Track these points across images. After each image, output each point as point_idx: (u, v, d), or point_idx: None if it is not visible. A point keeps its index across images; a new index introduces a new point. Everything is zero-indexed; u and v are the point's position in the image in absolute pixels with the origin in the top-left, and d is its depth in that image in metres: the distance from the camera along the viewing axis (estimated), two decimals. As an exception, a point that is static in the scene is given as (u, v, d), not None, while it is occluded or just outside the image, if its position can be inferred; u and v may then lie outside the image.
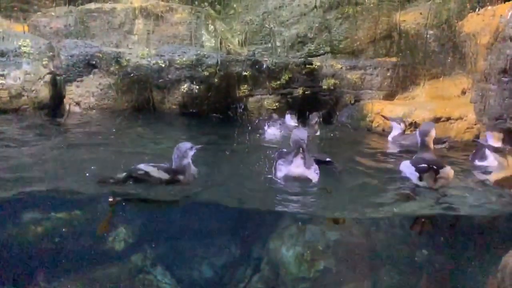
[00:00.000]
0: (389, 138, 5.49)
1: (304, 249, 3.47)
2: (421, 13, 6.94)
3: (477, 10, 5.17)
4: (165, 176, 3.35)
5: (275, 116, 6.08)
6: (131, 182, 3.29)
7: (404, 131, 5.44)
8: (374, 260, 3.48)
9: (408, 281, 3.41)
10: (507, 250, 1.40)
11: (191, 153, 3.51)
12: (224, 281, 3.56)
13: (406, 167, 3.63)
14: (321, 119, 5.90)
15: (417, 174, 3.41)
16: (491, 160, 3.88)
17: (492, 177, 3.36)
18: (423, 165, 3.40)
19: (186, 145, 3.52)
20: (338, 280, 3.40)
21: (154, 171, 3.34)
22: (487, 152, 3.97)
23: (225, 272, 3.58)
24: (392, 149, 5.21)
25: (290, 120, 5.93)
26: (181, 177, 3.42)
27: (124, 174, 3.32)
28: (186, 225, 3.57)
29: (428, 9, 6.81)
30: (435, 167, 3.35)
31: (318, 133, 5.64)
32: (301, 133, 3.59)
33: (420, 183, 3.41)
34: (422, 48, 6.78)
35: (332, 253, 3.47)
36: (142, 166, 3.36)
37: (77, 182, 3.38)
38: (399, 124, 5.42)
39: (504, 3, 4.88)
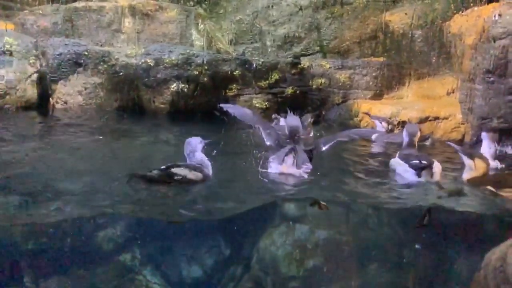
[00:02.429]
0: (372, 137, 5.55)
1: (294, 248, 3.48)
2: (406, 13, 7.02)
3: (461, 11, 5.25)
4: (199, 176, 3.36)
5: (274, 115, 6.03)
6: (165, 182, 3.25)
7: (389, 130, 5.53)
8: (363, 258, 3.51)
9: (396, 279, 3.45)
10: (490, 247, 1.44)
11: (201, 146, 3.51)
12: (214, 280, 3.56)
13: (399, 165, 3.76)
14: (312, 120, 5.89)
15: (414, 171, 3.58)
16: None
17: (464, 176, 3.57)
18: (416, 161, 3.60)
19: (196, 139, 3.52)
20: (327, 279, 3.42)
21: (190, 174, 3.32)
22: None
23: (215, 271, 3.58)
24: (376, 147, 5.28)
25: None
26: (206, 171, 3.45)
27: (156, 172, 3.25)
28: (176, 224, 3.56)
29: (413, 10, 6.89)
30: (426, 162, 3.56)
31: (311, 134, 5.64)
32: (295, 121, 3.62)
33: (419, 179, 3.58)
34: (411, 48, 6.85)
35: (321, 252, 3.49)
36: (177, 170, 3.31)
37: (66, 182, 3.36)
38: (381, 123, 5.51)
39: (488, 4, 4.96)
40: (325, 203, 3.20)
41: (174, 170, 3.29)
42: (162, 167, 3.30)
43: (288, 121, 3.87)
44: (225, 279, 3.55)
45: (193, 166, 3.41)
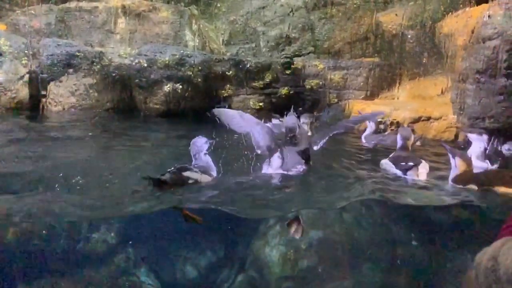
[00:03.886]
0: (362, 137, 5.59)
1: (288, 248, 3.50)
2: (396, 15, 7.06)
3: (450, 13, 5.30)
4: (208, 179, 3.38)
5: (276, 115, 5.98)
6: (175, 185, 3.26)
7: (381, 130, 5.57)
8: (356, 258, 3.54)
9: (389, 278, 3.48)
10: (482, 246, 1.45)
11: (206, 147, 3.51)
12: (208, 281, 3.57)
13: (389, 167, 3.93)
14: (312, 120, 5.86)
15: (400, 171, 3.79)
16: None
17: (450, 176, 3.72)
18: (404, 163, 3.81)
19: (202, 139, 3.53)
20: (321, 278, 3.44)
21: (201, 178, 3.35)
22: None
23: (209, 272, 3.59)
24: (365, 147, 5.33)
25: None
26: (213, 173, 3.46)
27: (169, 176, 3.25)
28: (169, 225, 3.56)
29: (404, 11, 6.94)
30: (412, 162, 3.78)
31: (310, 134, 5.63)
32: (293, 120, 3.62)
33: (404, 176, 3.78)
34: (403, 49, 6.90)
35: (315, 252, 3.50)
36: (189, 174, 3.32)
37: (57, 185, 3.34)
38: (369, 122, 5.55)
39: (477, 5, 5.02)
40: (299, 225, 3.20)
41: (186, 174, 3.30)
42: (171, 169, 3.31)
43: (286, 120, 3.86)
44: (220, 279, 3.55)
45: (203, 169, 3.43)
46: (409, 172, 3.75)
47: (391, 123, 5.77)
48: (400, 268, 3.50)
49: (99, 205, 3.16)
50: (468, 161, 3.67)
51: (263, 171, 3.60)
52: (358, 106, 6.35)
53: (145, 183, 3.22)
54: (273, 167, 3.53)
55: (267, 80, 6.63)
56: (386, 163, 4.00)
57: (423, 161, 3.86)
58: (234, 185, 3.49)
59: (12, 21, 6.86)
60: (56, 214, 3.08)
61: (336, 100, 6.80)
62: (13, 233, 3.23)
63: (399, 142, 4.08)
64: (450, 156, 3.70)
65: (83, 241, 3.40)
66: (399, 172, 3.81)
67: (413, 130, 4.74)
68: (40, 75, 6.07)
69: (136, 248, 3.53)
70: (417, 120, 5.66)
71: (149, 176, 3.19)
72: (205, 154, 3.53)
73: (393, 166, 3.89)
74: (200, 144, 3.51)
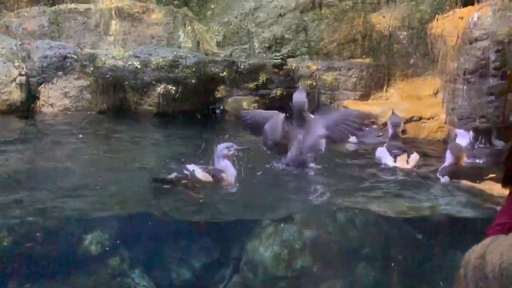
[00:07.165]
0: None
1: (282, 249, 3.52)
2: (383, 17, 7.10)
3: (437, 14, 5.36)
4: (209, 178, 3.49)
5: None
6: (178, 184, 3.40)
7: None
8: (350, 258, 3.56)
9: (383, 277, 3.51)
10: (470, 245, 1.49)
11: (229, 153, 3.59)
12: (203, 282, 3.58)
13: (382, 152, 4.20)
14: None
15: (393, 158, 4.05)
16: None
17: (440, 168, 3.93)
18: (398, 150, 4.11)
19: (222, 145, 3.62)
20: (315, 278, 3.46)
21: (203, 176, 3.46)
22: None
23: (204, 273, 3.60)
24: (352, 141, 5.37)
25: None
26: (223, 175, 3.55)
27: (175, 175, 3.40)
28: (164, 226, 3.57)
29: (391, 13, 7.00)
30: (404, 150, 4.07)
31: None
32: (302, 97, 3.64)
33: (394, 164, 4.03)
34: (391, 50, 6.95)
35: (309, 252, 3.53)
36: (194, 171, 3.46)
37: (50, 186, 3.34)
38: None
39: (464, 7, 5.08)
40: None
41: (189, 170, 3.47)
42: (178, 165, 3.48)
43: (295, 96, 3.82)
44: (214, 280, 3.56)
45: (213, 172, 3.55)
46: (398, 158, 3.96)
47: (384, 124, 5.81)
48: (394, 268, 3.53)
49: (93, 206, 3.17)
50: (460, 156, 3.76)
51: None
52: (350, 107, 6.37)
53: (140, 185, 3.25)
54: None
55: (261, 81, 6.66)
56: (380, 151, 4.17)
57: (414, 152, 4.11)
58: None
59: (5, 23, 6.82)
60: (51, 215, 3.08)
61: (329, 101, 6.83)
62: (7, 234, 3.22)
63: (390, 130, 4.24)
64: (447, 151, 3.81)
65: (78, 242, 3.40)
66: (389, 158, 3.97)
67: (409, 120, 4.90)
68: (32, 77, 6.05)
69: (131, 249, 3.53)
70: (409, 121, 5.72)
71: (155, 177, 3.33)
72: (231, 156, 3.62)
73: (388, 153, 4.08)
74: (220, 150, 3.61)
